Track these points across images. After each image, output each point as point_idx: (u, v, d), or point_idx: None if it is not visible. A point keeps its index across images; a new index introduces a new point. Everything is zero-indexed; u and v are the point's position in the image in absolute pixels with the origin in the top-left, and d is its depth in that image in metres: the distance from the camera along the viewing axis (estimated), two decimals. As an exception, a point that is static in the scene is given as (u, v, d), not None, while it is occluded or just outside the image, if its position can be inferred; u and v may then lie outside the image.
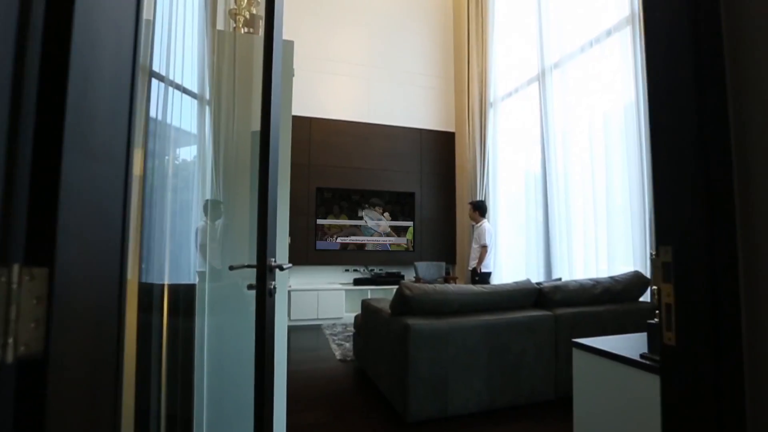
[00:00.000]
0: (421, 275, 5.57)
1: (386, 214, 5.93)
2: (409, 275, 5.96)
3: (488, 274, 4.60)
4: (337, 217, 5.70)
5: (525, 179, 4.90)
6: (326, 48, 5.83)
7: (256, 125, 1.75)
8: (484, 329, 2.37)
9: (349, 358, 3.61)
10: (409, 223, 6.01)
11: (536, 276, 4.45)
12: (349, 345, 4.03)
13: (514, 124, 5.20)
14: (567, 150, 4.14)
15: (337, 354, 3.77)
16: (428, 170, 6.17)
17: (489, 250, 4.54)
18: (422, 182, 6.13)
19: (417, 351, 2.20)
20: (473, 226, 5.42)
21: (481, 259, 4.51)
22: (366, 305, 3.12)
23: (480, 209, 4.71)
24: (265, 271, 1.22)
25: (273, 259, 1.28)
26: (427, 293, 2.38)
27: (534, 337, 2.48)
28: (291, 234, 5.34)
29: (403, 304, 2.39)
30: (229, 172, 1.79)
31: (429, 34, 6.38)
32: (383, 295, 5.74)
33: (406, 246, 5.97)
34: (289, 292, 5.11)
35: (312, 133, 5.64)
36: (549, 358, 2.52)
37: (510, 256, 5.16)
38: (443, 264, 5.80)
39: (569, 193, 4.07)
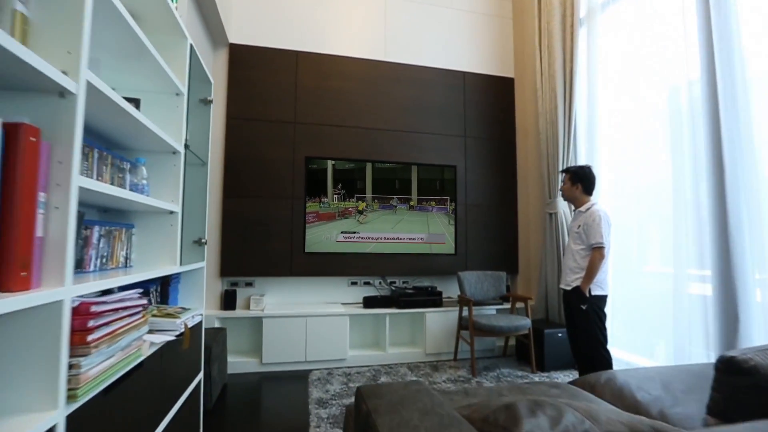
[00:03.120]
0: (469, 293, 3.53)
1: (414, 197, 3.93)
2: (448, 291, 3.93)
3: (603, 300, 2.51)
4: (338, 203, 3.74)
5: (667, 140, 2.78)
6: (322, -49, 3.88)
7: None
8: None
9: (335, 497, 1.64)
10: (450, 212, 3.98)
11: (702, 313, 2.33)
12: (343, 442, 2.06)
13: (633, 47, 3.07)
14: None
15: (315, 474, 1.80)
16: (476, 133, 4.11)
17: (607, 254, 2.46)
18: (467, 150, 4.08)
19: None
20: (562, 213, 3.37)
21: (592, 270, 2.44)
22: (361, 403, 1.11)
23: (584, 181, 2.63)
24: None
25: None
26: None
27: None
28: (266, 228, 3.38)
29: None
30: None
31: (476, -72, 4.31)
32: (409, 323, 3.75)
33: (444, 246, 3.94)
34: (261, 319, 3.21)
35: (300, 74, 3.70)
36: None
37: (622, 271, 3.04)
38: (503, 275, 3.73)
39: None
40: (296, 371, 3.25)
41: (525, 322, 3.19)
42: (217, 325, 3.21)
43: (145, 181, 1.46)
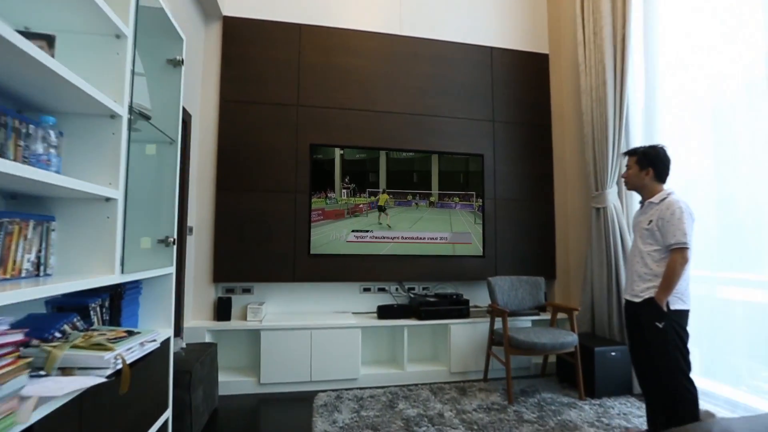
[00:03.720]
0: (502, 302, 3.01)
1: (434, 192, 3.42)
2: (476, 298, 3.41)
3: (685, 316, 1.95)
4: (347, 198, 3.26)
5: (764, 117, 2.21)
6: None
7: None
8: None
9: None
10: (476, 209, 3.46)
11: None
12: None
13: (708, 4, 2.51)
14: None
15: None
16: (505, 117, 3.58)
17: (690, 257, 1.90)
18: (496, 137, 3.55)
19: None
20: (612, 207, 2.84)
21: (672, 278, 1.89)
22: None
23: (656, 165, 2.07)
24: None
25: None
26: None
27: None
28: (266, 227, 2.91)
29: None
30: None
31: None
32: (431, 337, 3.26)
33: (470, 247, 3.42)
34: (259, 332, 2.75)
35: (303, 51, 3.24)
36: None
37: (697, 279, 2.47)
38: (541, 281, 3.19)
39: None
40: (299, 393, 2.78)
41: (571, 339, 2.65)
42: (208, 339, 2.76)
43: (53, 151, 1.00)
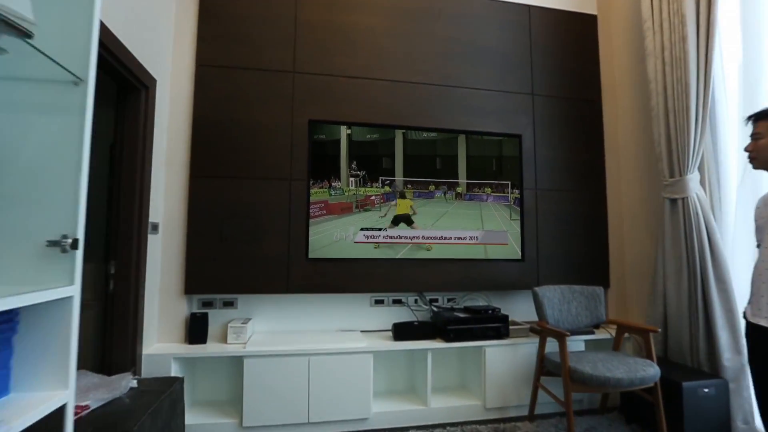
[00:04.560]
0: (552, 319, 2.37)
1: (462, 181, 2.78)
2: (514, 312, 2.75)
3: None
4: (356, 188, 2.62)
5: None
6: None
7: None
8: None
9: None
10: (512, 202, 2.82)
11: None
12: None
13: None
14: None
15: None
16: (547, 89, 2.93)
17: None
18: (536, 114, 2.90)
19: None
20: (695, 198, 2.20)
21: None
22: None
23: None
24: None
25: None
26: None
27: None
28: (253, 224, 2.30)
29: None
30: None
31: None
32: (459, 362, 2.63)
33: (506, 249, 2.77)
34: (242, 359, 2.12)
35: (301, 5, 2.60)
36: None
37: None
38: (600, 292, 2.54)
39: None
40: (294, 439, 2.15)
41: (653, 372, 2.00)
42: (173, 370, 2.12)
43: None
